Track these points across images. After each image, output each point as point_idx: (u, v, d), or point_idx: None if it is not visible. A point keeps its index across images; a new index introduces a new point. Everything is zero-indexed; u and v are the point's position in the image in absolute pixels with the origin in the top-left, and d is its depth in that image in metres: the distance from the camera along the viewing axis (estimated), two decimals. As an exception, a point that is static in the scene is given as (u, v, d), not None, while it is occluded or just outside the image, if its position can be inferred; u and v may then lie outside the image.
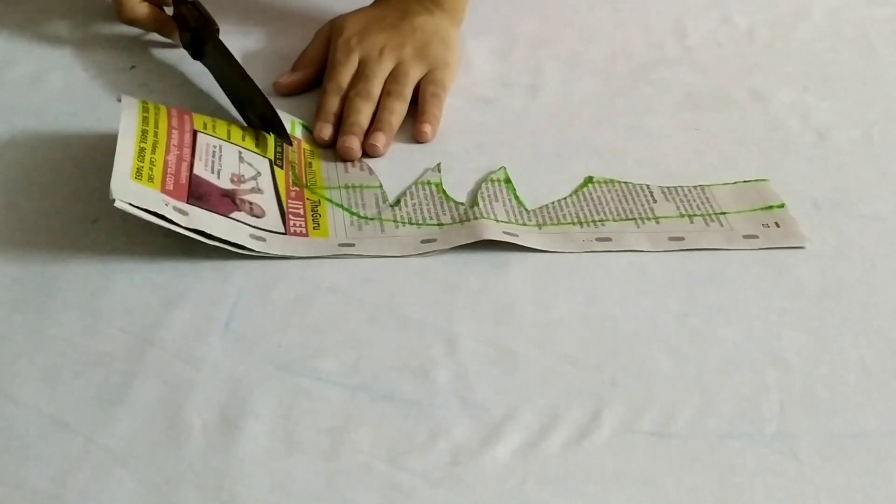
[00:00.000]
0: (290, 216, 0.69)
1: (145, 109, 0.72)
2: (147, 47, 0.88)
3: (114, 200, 0.63)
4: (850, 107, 0.85)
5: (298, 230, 0.69)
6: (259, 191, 0.70)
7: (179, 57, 0.86)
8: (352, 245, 0.68)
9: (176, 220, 0.65)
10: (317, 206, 0.71)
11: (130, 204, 0.64)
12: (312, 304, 0.64)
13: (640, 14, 0.97)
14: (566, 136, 0.80)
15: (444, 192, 0.73)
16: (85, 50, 0.87)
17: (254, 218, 0.68)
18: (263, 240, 0.67)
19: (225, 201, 0.68)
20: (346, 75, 0.82)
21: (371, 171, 0.75)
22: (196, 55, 0.83)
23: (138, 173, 0.66)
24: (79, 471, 0.53)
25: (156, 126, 0.71)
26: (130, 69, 0.85)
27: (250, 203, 0.69)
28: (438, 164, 0.76)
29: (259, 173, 0.72)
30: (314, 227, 0.69)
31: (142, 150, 0.68)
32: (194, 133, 0.72)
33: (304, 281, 0.65)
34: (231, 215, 0.67)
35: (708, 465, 0.55)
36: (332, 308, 0.64)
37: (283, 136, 0.75)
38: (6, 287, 0.64)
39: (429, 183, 0.74)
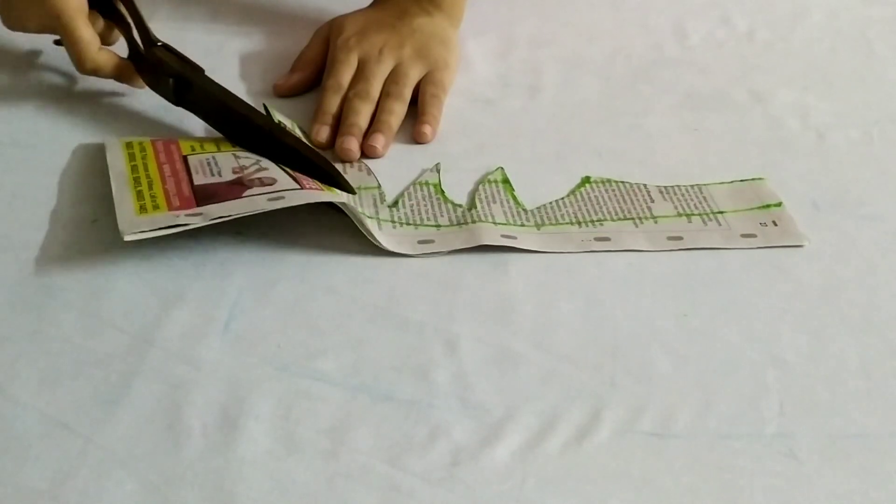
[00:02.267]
0: (302, 180, 0.70)
1: (129, 148, 0.73)
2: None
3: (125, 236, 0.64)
4: (849, 107, 0.85)
5: (313, 187, 0.69)
6: (264, 168, 0.70)
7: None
8: None
9: (192, 223, 0.65)
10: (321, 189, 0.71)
11: (142, 231, 0.64)
12: (312, 304, 0.64)
13: (640, 14, 0.97)
14: (566, 136, 0.80)
15: (442, 192, 0.73)
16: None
17: (266, 187, 0.68)
18: (282, 198, 0.67)
19: (234, 188, 0.68)
20: (346, 74, 0.82)
21: (370, 172, 0.75)
22: (179, 101, 0.77)
23: (142, 209, 0.67)
24: (78, 471, 0.53)
25: (146, 168, 0.71)
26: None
27: (260, 179, 0.69)
28: (437, 165, 0.76)
29: (259, 159, 0.72)
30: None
31: (139, 192, 0.69)
32: (185, 158, 0.72)
33: (303, 281, 0.65)
34: (244, 195, 0.67)
35: (708, 465, 0.55)
36: (332, 308, 0.64)
37: (312, 169, 0.73)
38: (6, 287, 0.64)
39: (427, 184, 0.74)
